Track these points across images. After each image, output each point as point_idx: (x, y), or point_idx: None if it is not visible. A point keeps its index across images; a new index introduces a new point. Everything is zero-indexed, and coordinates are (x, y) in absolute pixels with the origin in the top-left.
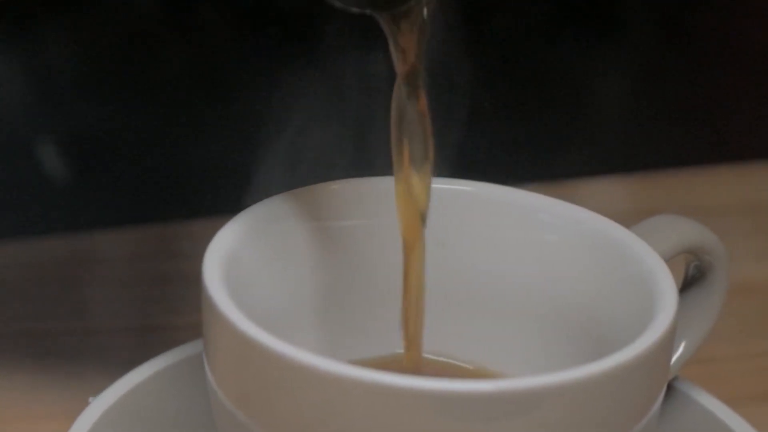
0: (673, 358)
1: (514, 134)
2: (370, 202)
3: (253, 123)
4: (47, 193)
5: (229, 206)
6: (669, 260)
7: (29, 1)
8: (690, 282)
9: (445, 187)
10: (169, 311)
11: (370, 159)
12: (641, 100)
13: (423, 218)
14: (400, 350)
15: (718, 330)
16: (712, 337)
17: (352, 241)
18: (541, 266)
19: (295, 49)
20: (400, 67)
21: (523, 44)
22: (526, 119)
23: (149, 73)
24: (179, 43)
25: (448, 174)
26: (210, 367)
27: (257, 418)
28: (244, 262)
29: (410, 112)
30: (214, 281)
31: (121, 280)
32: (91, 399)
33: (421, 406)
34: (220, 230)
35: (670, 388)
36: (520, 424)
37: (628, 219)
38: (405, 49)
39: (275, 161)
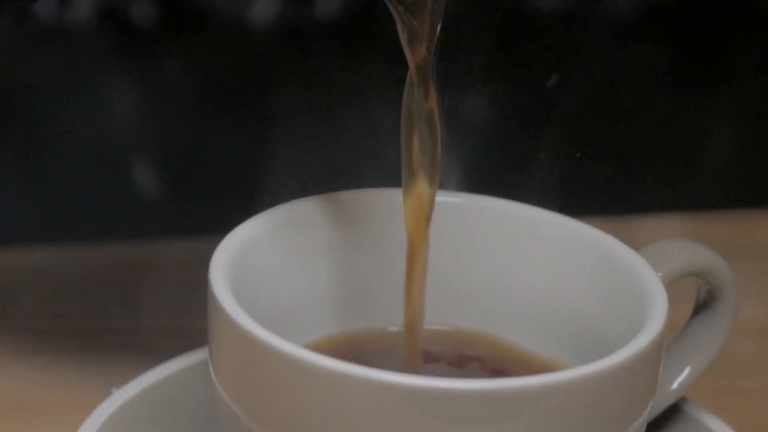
0: (678, 380)
1: (602, 170)
2: (382, 211)
3: (352, 158)
4: (128, 202)
5: None
6: (675, 281)
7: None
8: (701, 306)
9: (460, 201)
10: None
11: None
12: (731, 143)
13: (428, 215)
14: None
15: (751, 363)
16: (745, 370)
17: (363, 246)
18: (543, 276)
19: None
20: (410, 59)
21: (633, 87)
22: (616, 157)
23: (257, 100)
24: (289, 74)
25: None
26: (213, 365)
27: (255, 415)
28: (253, 263)
29: (419, 106)
30: (219, 278)
31: (176, 285)
32: (113, 390)
33: (417, 404)
34: (230, 232)
35: (682, 412)
36: (504, 424)
37: None
38: (416, 39)
39: None
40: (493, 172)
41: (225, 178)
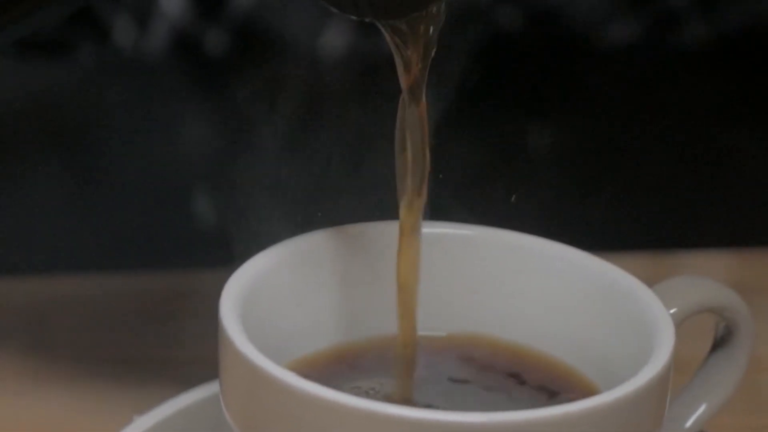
0: (693, 417)
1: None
2: (392, 243)
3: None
4: (165, 231)
5: None
6: (692, 318)
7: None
8: (718, 343)
9: (473, 233)
10: None
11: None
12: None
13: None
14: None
15: None
16: (765, 407)
17: (374, 276)
18: (556, 308)
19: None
20: (402, 79)
21: (690, 124)
22: (661, 191)
23: (322, 134)
24: (358, 104)
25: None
26: (223, 395)
27: None
28: (264, 295)
29: (411, 123)
30: (228, 310)
31: (210, 315)
32: (135, 417)
33: None
34: (242, 265)
35: None
36: None
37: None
38: (408, 60)
39: None
40: (535, 203)
41: (279, 210)
